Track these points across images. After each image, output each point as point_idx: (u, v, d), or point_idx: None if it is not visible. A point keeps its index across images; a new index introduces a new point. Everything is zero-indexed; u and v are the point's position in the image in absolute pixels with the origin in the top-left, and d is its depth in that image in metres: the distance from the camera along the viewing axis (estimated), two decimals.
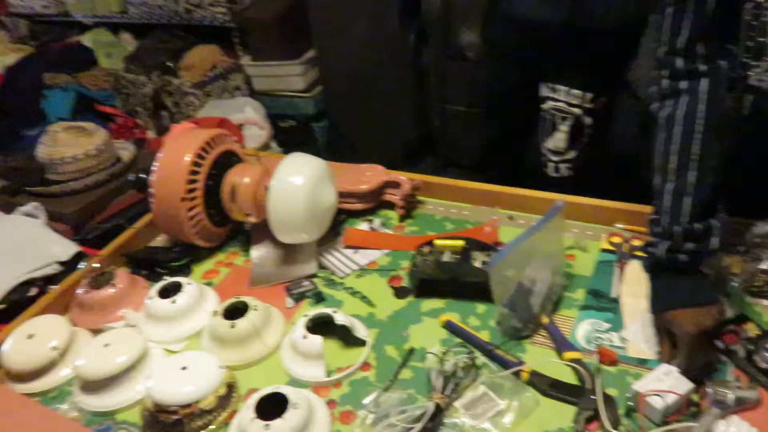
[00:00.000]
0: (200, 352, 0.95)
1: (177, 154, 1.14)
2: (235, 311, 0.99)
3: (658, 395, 0.78)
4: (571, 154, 1.32)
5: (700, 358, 0.83)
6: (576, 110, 1.27)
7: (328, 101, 2.66)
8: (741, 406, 0.78)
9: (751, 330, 0.88)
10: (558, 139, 1.30)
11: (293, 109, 2.67)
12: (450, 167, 2.55)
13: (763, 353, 0.82)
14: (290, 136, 2.67)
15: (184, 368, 0.88)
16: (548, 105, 1.31)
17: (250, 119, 2.45)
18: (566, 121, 1.28)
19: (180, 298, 1.04)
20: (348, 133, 2.66)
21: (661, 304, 0.87)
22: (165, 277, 1.11)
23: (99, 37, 2.98)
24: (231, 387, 0.90)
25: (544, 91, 1.32)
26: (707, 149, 0.85)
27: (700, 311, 0.83)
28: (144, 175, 1.20)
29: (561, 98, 1.28)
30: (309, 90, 2.65)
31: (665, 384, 0.79)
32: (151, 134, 2.80)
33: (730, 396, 0.79)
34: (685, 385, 0.79)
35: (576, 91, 1.26)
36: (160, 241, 1.29)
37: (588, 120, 1.28)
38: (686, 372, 0.80)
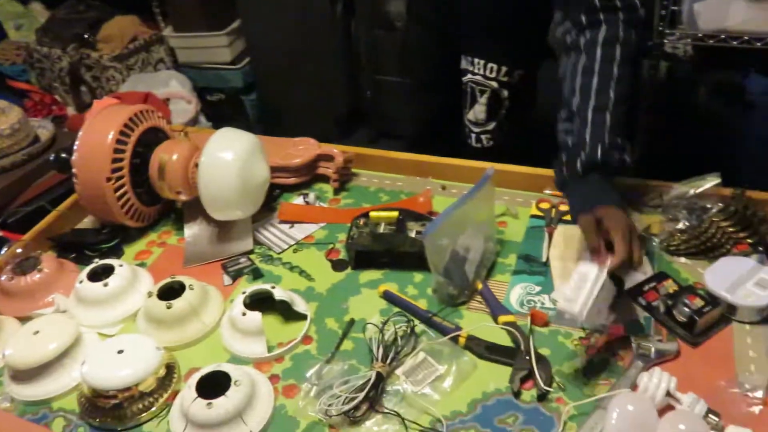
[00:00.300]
0: (136, 335, 0.93)
1: (99, 132, 1.10)
2: (170, 291, 0.97)
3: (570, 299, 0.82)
4: (491, 126, 1.35)
5: (631, 256, 0.87)
6: (492, 83, 1.29)
7: (256, 73, 2.60)
8: (662, 358, 0.84)
9: (670, 286, 0.94)
10: (477, 111, 1.33)
11: (221, 81, 2.60)
12: (384, 138, 2.56)
13: (681, 307, 0.88)
14: (219, 109, 2.60)
15: (120, 351, 0.86)
16: (467, 78, 1.33)
17: (176, 93, 2.37)
18: (484, 93, 1.31)
19: (112, 281, 1.01)
20: (279, 106, 2.62)
21: (591, 202, 0.93)
22: (95, 260, 1.08)
23: (6, 8, 2.80)
24: (171, 368, 0.89)
25: (464, 63, 1.34)
26: (623, 72, 0.98)
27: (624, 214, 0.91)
28: (65, 155, 1.15)
29: (478, 71, 1.30)
30: (236, 62, 2.58)
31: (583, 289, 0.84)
32: (71, 111, 2.68)
33: (652, 349, 0.84)
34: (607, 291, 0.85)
35: (491, 65, 1.28)
36: (87, 222, 1.25)
37: (505, 93, 1.31)
38: (615, 270, 0.86)
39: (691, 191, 1.07)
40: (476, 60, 1.29)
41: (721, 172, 1.09)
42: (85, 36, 2.54)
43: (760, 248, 0.99)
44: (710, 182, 1.07)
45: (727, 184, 1.06)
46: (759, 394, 0.78)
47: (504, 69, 1.28)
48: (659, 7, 1.61)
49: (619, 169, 0.98)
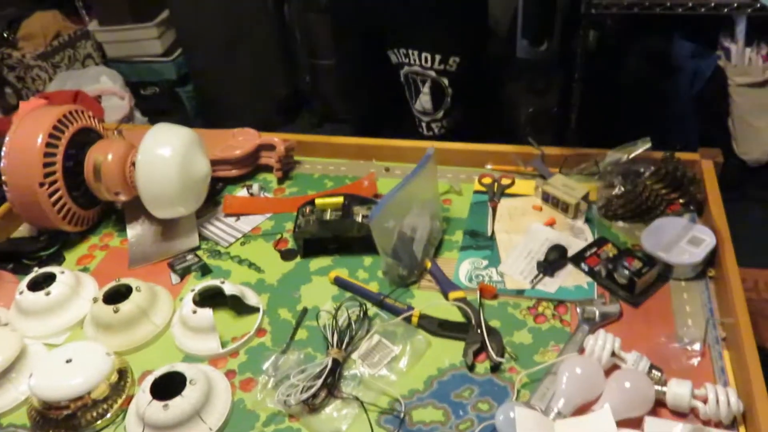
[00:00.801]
0: (85, 342, 0.91)
1: (27, 136, 1.06)
2: (117, 295, 0.95)
3: None
4: (440, 114, 1.36)
5: None
6: (430, 72, 1.30)
7: (190, 64, 2.53)
8: (606, 321, 0.87)
9: (610, 251, 0.98)
10: (423, 101, 1.34)
11: (154, 74, 2.53)
12: (327, 122, 2.54)
13: (621, 270, 0.91)
14: (154, 103, 2.53)
15: (68, 361, 0.84)
16: (405, 70, 1.33)
17: (108, 89, 2.29)
18: (425, 83, 1.32)
19: (54, 289, 0.98)
20: (217, 96, 2.56)
21: None
22: (35, 269, 1.04)
23: None
24: (123, 372, 0.87)
25: (397, 58, 1.34)
26: None
27: None
28: None
29: (414, 62, 1.30)
30: (169, 53, 2.51)
31: None
32: None
33: (596, 312, 0.88)
34: None
35: (425, 54, 1.28)
36: (23, 230, 1.21)
37: (445, 81, 1.32)
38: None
39: (625, 157, 1.10)
40: (410, 51, 1.30)
41: (652, 135, 1.13)
42: (4, 35, 2.43)
43: (692, 207, 1.04)
44: (642, 147, 1.10)
45: (658, 146, 1.10)
46: (697, 347, 0.82)
47: (438, 57, 1.29)
48: None
49: None
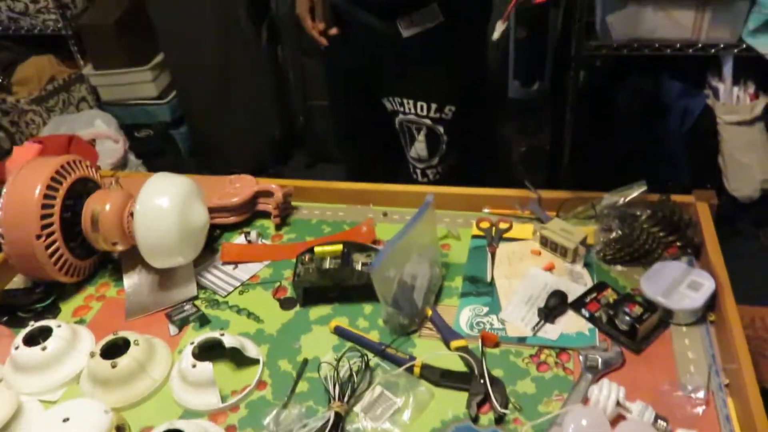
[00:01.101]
0: (82, 399, 0.90)
1: (25, 188, 1.06)
2: (114, 349, 0.94)
3: None
4: (435, 161, 1.36)
5: None
6: (426, 121, 1.31)
7: (184, 106, 2.55)
8: (609, 368, 0.87)
9: (610, 296, 0.98)
10: (418, 149, 1.35)
11: (148, 117, 2.54)
12: (322, 162, 2.55)
13: (622, 316, 0.91)
14: (148, 145, 2.53)
15: (66, 420, 0.82)
16: (400, 118, 1.34)
17: (102, 133, 2.30)
18: (421, 131, 1.33)
19: (50, 344, 0.96)
20: (211, 137, 2.57)
21: None
22: (30, 322, 1.02)
23: None
24: (121, 429, 0.86)
25: (391, 106, 1.35)
26: None
27: None
28: None
29: (409, 111, 1.32)
30: (163, 96, 2.52)
31: None
32: None
33: (599, 360, 0.87)
34: None
35: (421, 103, 1.30)
36: (18, 281, 1.19)
37: (440, 129, 1.33)
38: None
39: (621, 200, 1.11)
40: (405, 100, 1.31)
41: (644, 172, 1.14)
42: None
43: (689, 250, 1.05)
44: (637, 190, 1.11)
45: (651, 183, 1.11)
46: (701, 394, 0.81)
47: (434, 106, 1.30)
48: (581, 18, 1.68)
49: None
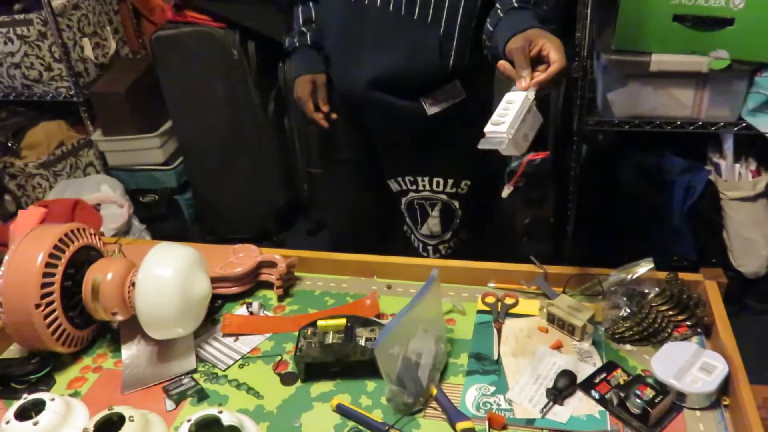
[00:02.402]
0: None
1: (27, 256, 1.05)
2: (108, 425, 0.91)
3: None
4: (448, 236, 1.36)
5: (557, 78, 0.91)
6: (442, 196, 1.31)
7: (190, 172, 2.57)
8: None
9: (620, 377, 0.95)
10: (431, 225, 1.35)
11: (154, 182, 2.56)
12: (325, 229, 2.55)
13: (633, 399, 0.89)
14: (153, 210, 2.54)
15: None
16: (410, 197, 1.34)
17: (107, 198, 2.31)
18: (435, 207, 1.33)
19: (43, 418, 0.93)
20: (215, 203, 2.59)
21: (521, 26, 0.96)
22: (23, 394, 0.99)
23: None
24: None
25: (397, 187, 1.35)
26: None
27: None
28: None
29: (423, 188, 1.32)
30: (169, 162, 2.55)
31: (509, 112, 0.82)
32: None
33: None
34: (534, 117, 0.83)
35: (437, 179, 1.30)
36: (13, 350, 1.17)
37: (455, 203, 1.33)
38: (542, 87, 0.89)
39: (628, 277, 1.10)
40: (420, 178, 1.31)
41: (649, 247, 1.13)
42: (9, 144, 2.47)
43: (699, 330, 1.03)
44: (644, 267, 1.10)
45: (656, 258, 1.10)
46: None
47: (450, 182, 1.30)
48: (581, 93, 1.72)
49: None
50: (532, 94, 0.86)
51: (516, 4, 1.07)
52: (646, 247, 1.16)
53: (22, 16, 2.33)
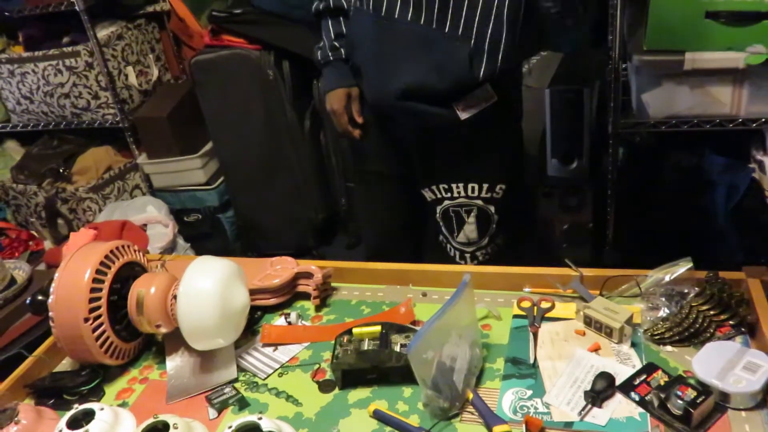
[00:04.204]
0: None
1: (75, 273, 1.10)
2: None
3: None
4: (485, 242, 1.36)
5: None
6: (478, 201, 1.31)
7: (232, 191, 2.64)
8: None
9: (661, 378, 0.93)
10: (468, 231, 1.34)
11: (197, 202, 2.63)
12: (362, 243, 2.58)
13: (674, 400, 0.87)
14: (197, 229, 2.61)
15: None
16: (445, 205, 1.34)
17: (153, 218, 2.39)
18: (471, 213, 1.33)
19: (93, 427, 0.97)
20: (256, 220, 2.64)
21: None
22: (74, 405, 1.04)
23: None
24: None
25: (432, 195, 1.36)
26: None
27: None
28: (42, 297, 1.14)
29: (458, 195, 1.32)
30: (211, 182, 2.62)
31: None
32: (48, 245, 2.67)
33: None
34: None
35: (472, 185, 1.30)
36: (66, 364, 1.22)
37: (491, 209, 1.32)
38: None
39: (667, 277, 1.09)
40: (455, 185, 1.32)
41: (692, 249, 1.11)
42: (60, 170, 2.58)
43: (742, 329, 1.00)
44: (683, 267, 1.09)
45: (700, 260, 1.08)
46: None
47: (486, 186, 1.30)
48: (615, 97, 1.70)
49: None
50: None
51: None
52: (688, 249, 1.13)
53: (70, 49, 2.45)
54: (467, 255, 1.38)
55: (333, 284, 1.30)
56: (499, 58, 1.21)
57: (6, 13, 2.51)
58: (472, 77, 1.22)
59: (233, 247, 2.70)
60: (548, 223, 1.90)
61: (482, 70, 1.22)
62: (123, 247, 1.19)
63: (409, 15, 1.19)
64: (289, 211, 2.58)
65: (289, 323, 1.21)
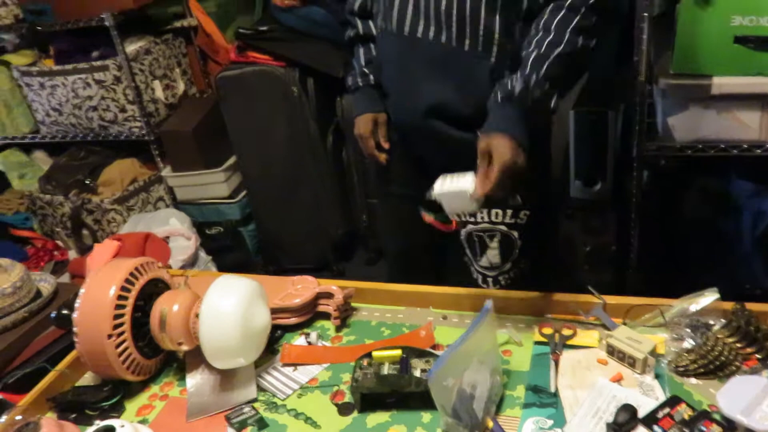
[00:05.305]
0: None
1: (100, 289, 1.11)
2: None
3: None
4: (507, 266, 1.35)
5: (502, 186, 1.07)
6: (501, 227, 1.31)
7: (253, 205, 2.66)
8: None
9: (685, 412, 0.92)
10: (491, 256, 1.34)
11: (219, 215, 2.66)
12: (382, 259, 2.57)
13: None
14: (218, 242, 2.63)
15: None
16: (468, 229, 1.34)
17: (176, 231, 2.41)
18: (494, 238, 1.32)
19: None
20: (278, 235, 2.66)
21: (491, 126, 1.12)
22: (96, 421, 1.05)
23: (10, 158, 2.90)
24: None
25: (456, 217, 1.35)
26: (575, 38, 1.10)
27: (518, 149, 1.09)
28: (66, 311, 1.16)
29: (481, 220, 1.32)
30: (234, 195, 2.65)
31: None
32: (72, 255, 2.71)
33: None
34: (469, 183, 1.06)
35: (496, 210, 1.30)
36: (88, 378, 1.23)
37: (515, 234, 1.31)
38: (490, 196, 1.06)
39: (692, 307, 1.07)
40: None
41: (717, 276, 1.09)
42: (86, 181, 2.62)
43: None
44: (710, 297, 1.07)
45: (726, 288, 1.06)
46: None
47: (509, 212, 1.30)
48: (640, 119, 1.69)
49: (537, 107, 1.13)
50: (471, 187, 1.07)
51: (499, 97, 1.14)
52: (714, 275, 1.12)
53: (99, 63, 2.50)
54: (489, 279, 1.37)
55: (353, 304, 1.30)
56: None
57: (38, 28, 2.57)
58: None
59: (254, 261, 2.72)
60: (571, 245, 1.89)
61: None
62: (147, 263, 1.20)
63: (431, 33, 1.20)
64: (310, 226, 2.59)
65: (309, 343, 1.22)
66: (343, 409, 1.05)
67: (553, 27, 1.11)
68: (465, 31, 1.18)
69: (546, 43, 1.11)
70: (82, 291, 1.13)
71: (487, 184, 1.06)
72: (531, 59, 1.11)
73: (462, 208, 1.11)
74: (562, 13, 1.11)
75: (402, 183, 1.42)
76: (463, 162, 1.28)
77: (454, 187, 1.08)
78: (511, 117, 1.12)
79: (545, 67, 1.10)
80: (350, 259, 2.76)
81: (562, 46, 1.10)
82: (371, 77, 1.37)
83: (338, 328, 1.25)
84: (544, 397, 1.00)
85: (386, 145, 1.38)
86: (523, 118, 1.12)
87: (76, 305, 1.12)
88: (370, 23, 1.37)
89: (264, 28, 2.39)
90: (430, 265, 1.51)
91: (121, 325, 1.10)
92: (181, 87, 2.77)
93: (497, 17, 1.16)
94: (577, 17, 1.10)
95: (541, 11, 1.14)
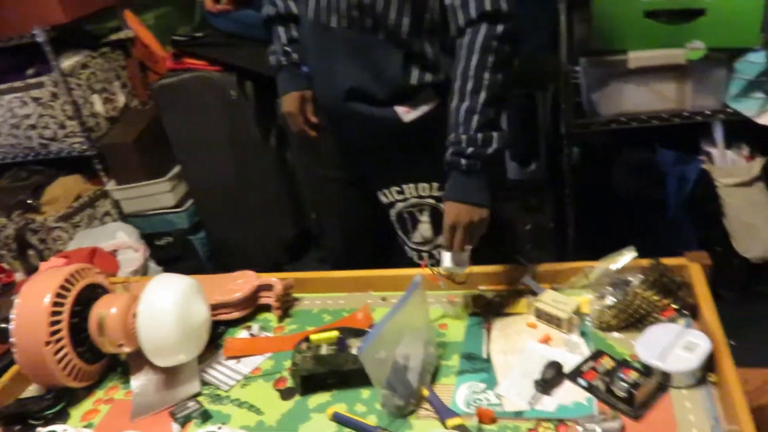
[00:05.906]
0: None
1: (35, 297, 1.11)
2: None
3: None
4: (440, 240, 1.38)
5: (469, 240, 1.12)
6: (429, 200, 1.34)
7: (201, 212, 2.65)
8: None
9: (607, 363, 0.97)
10: (423, 230, 1.37)
11: (168, 225, 2.64)
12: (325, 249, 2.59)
13: (618, 382, 0.90)
14: (169, 252, 2.62)
15: None
16: (398, 208, 1.37)
17: (124, 243, 2.39)
18: (424, 211, 1.36)
19: None
20: (227, 240, 2.65)
21: (446, 195, 1.15)
22: (38, 429, 1.05)
23: None
24: None
25: (385, 199, 1.38)
26: (495, 77, 1.10)
27: (471, 209, 1.11)
28: (4, 325, 1.15)
29: (410, 195, 1.35)
30: (181, 204, 2.64)
31: None
32: (19, 276, 2.65)
33: (597, 430, 0.85)
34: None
35: (422, 184, 1.33)
36: (33, 390, 1.22)
37: (442, 207, 1.35)
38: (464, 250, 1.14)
39: (613, 267, 1.12)
40: (406, 186, 1.35)
41: (650, 241, 1.15)
42: (29, 201, 2.58)
43: (685, 312, 1.04)
44: (627, 255, 1.12)
45: (659, 251, 1.12)
46: None
47: (436, 185, 1.33)
48: (569, 98, 1.75)
49: (485, 163, 1.12)
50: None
51: (451, 158, 1.14)
52: (648, 242, 1.17)
53: (34, 80, 2.46)
54: (425, 254, 1.40)
55: (295, 295, 1.32)
56: (438, 62, 1.25)
57: None
58: (408, 82, 1.25)
59: (206, 268, 2.71)
60: (510, 224, 1.94)
61: (418, 74, 1.25)
62: (84, 269, 1.20)
63: (344, 23, 1.23)
64: (260, 229, 2.60)
65: (252, 335, 1.23)
66: (285, 394, 1.07)
67: (471, 74, 1.11)
68: (377, 27, 1.21)
69: (468, 92, 1.11)
70: (17, 302, 1.12)
71: (454, 245, 1.13)
72: (462, 113, 1.12)
73: (461, 268, 1.15)
74: (476, 58, 1.10)
75: (333, 166, 1.45)
76: (387, 140, 1.31)
77: (446, 257, 1.15)
78: (464, 182, 1.13)
79: (475, 118, 1.11)
80: (303, 258, 2.77)
81: (485, 91, 1.11)
82: (294, 55, 1.39)
83: (280, 319, 1.27)
84: (477, 364, 1.04)
85: (314, 120, 1.40)
86: (476, 176, 1.13)
87: (12, 316, 1.11)
88: (291, 4, 1.39)
89: (199, 34, 2.39)
90: (371, 249, 1.54)
91: (58, 331, 1.10)
92: (121, 100, 2.75)
93: (405, 18, 1.19)
94: (491, 57, 1.10)
95: (455, 43, 1.15)
